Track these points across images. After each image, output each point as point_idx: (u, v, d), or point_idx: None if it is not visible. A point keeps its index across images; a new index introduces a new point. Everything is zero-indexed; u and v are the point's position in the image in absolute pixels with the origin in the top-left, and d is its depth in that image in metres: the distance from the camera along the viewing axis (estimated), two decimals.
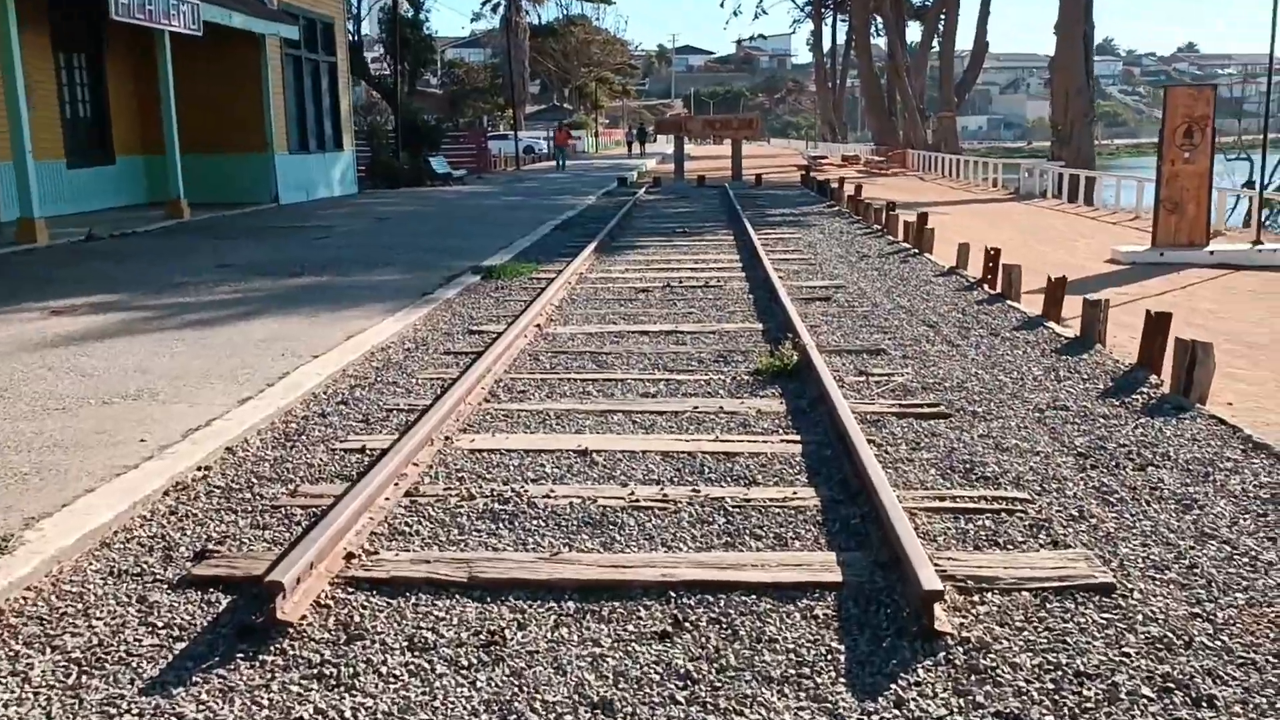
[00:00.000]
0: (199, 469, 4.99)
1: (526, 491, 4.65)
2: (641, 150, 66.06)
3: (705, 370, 7.02)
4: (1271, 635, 3.31)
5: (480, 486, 4.73)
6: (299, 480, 4.89)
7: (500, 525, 4.29)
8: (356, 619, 3.48)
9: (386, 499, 4.49)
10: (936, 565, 3.60)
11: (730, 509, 4.43)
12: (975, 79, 54.85)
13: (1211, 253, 14.47)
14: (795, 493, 4.60)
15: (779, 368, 6.77)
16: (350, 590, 3.70)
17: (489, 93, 65.90)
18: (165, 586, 3.75)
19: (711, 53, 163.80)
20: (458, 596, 3.64)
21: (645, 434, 5.59)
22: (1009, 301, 9.54)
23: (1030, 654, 3.21)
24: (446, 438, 5.44)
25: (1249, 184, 23.75)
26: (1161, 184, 14.72)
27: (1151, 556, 3.91)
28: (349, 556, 3.90)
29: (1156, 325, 6.75)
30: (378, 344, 7.83)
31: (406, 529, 4.25)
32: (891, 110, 54.07)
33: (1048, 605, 3.53)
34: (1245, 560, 3.88)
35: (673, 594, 3.63)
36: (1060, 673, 3.10)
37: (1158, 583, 3.69)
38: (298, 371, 6.85)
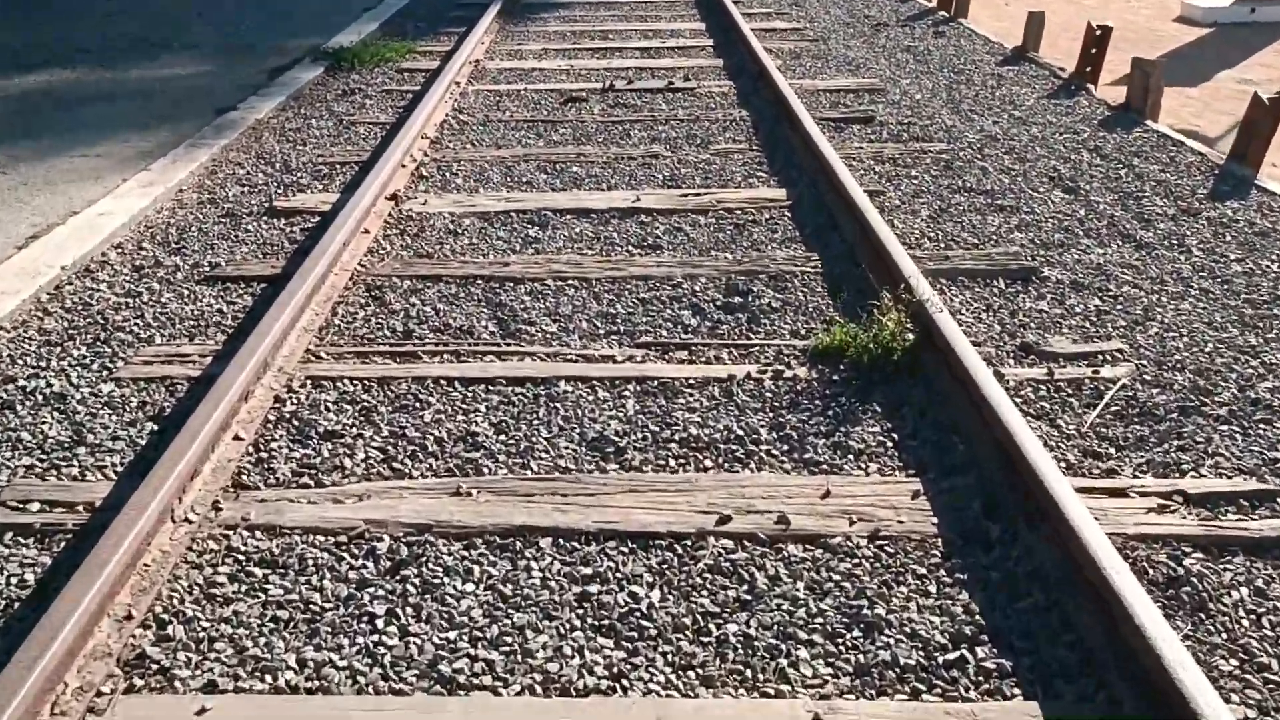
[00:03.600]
0: None
1: None
2: None
3: (709, 342, 3.50)
4: None
5: None
6: None
7: None
8: None
9: None
10: None
11: None
12: None
13: None
14: None
15: (874, 354, 3.28)
16: None
17: None
18: None
19: None
20: None
21: (626, 668, 2.18)
22: (1149, 122, 6.03)
23: None
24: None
25: None
26: None
27: None
28: None
29: None
30: (83, 255, 4.13)
31: None
32: None
33: None
34: None
35: None
36: None
37: None
38: None
